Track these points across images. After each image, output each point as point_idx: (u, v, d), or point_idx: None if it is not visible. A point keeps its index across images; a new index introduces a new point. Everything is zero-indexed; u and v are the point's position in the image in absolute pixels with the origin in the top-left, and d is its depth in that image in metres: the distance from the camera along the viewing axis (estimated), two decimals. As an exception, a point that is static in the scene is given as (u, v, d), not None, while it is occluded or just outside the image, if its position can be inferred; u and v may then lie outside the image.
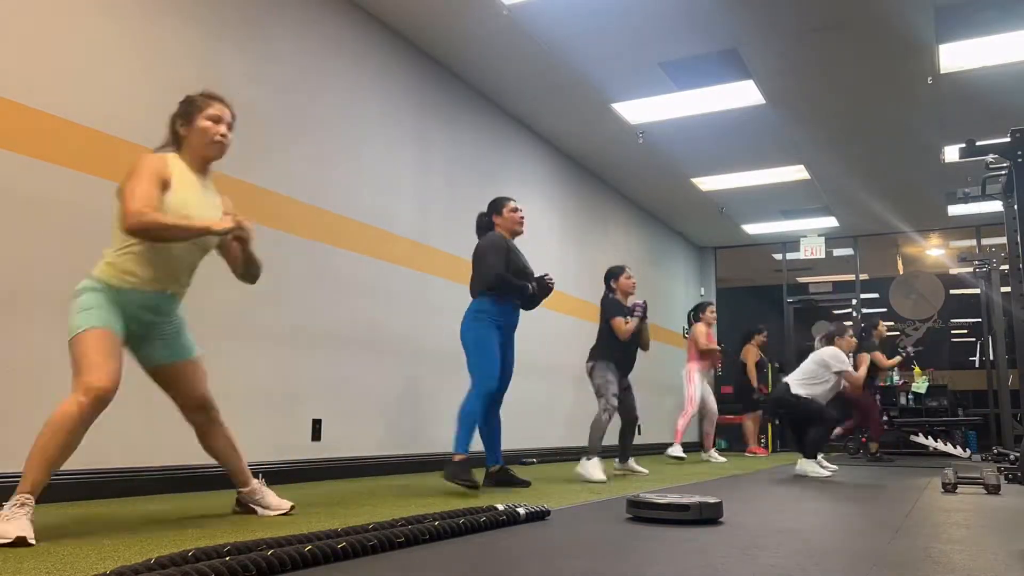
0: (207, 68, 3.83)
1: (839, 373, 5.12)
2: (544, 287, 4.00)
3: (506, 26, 5.12)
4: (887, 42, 5.29)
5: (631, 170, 8.03)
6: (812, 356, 5.26)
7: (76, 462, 3.10)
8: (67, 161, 3.16)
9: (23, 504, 2.05)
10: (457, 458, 3.58)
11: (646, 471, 5.41)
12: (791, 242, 10.58)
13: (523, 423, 6.37)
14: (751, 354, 8.77)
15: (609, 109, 6.46)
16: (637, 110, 6.46)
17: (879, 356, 7.25)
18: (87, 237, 3.21)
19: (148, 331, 2.46)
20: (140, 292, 2.36)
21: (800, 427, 5.16)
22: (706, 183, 8.40)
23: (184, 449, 3.53)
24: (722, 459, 7.21)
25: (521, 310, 4.06)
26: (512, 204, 4.09)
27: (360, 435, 4.63)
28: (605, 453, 5.71)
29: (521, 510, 2.44)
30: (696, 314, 7.37)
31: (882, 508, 3.00)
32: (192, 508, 2.83)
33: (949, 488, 3.89)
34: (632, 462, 5.35)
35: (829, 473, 5.07)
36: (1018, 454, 3.93)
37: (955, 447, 7.62)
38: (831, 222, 9.79)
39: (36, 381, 2.99)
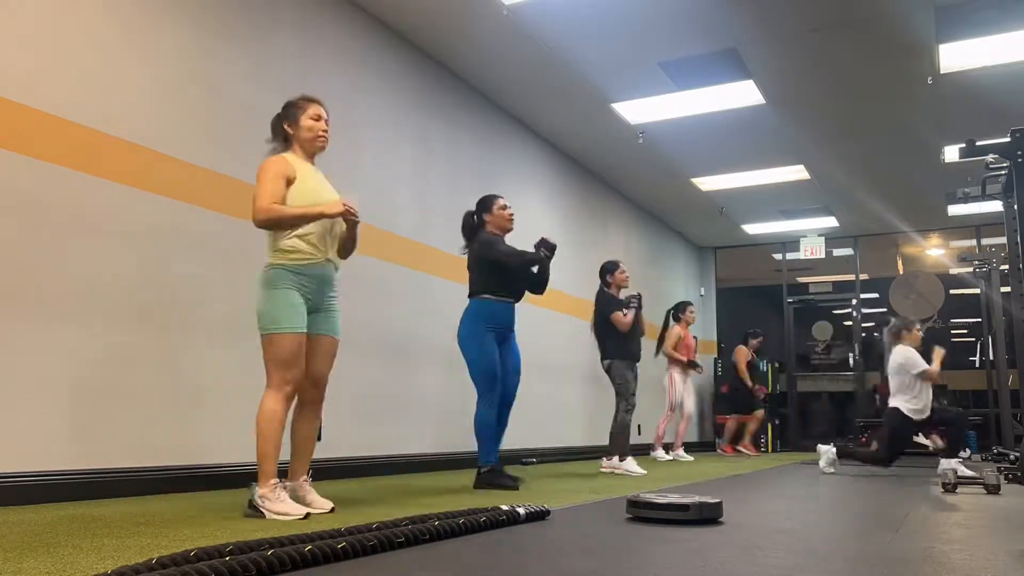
0: (207, 68, 3.83)
1: (920, 375, 5.12)
2: (548, 245, 3.95)
3: (506, 26, 5.12)
4: (887, 42, 5.29)
5: (631, 170, 8.03)
6: (892, 365, 5.19)
7: (76, 462, 3.10)
8: (67, 161, 3.16)
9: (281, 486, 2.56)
10: (484, 469, 3.74)
11: (643, 472, 5.40)
12: (791, 242, 10.57)
13: (523, 423, 6.37)
14: (742, 354, 8.81)
15: (609, 109, 6.46)
16: (637, 110, 6.46)
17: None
18: (87, 237, 3.21)
19: (318, 303, 2.80)
20: (313, 265, 2.74)
21: (947, 431, 5.23)
22: (706, 183, 8.40)
23: (185, 449, 3.54)
24: (690, 458, 7.25)
25: (530, 294, 4.09)
26: (501, 201, 4.05)
27: (361, 435, 4.62)
28: (587, 455, 5.73)
29: (521, 510, 2.44)
30: (676, 313, 7.39)
31: (882, 508, 3.00)
32: (192, 508, 2.83)
33: (949, 488, 3.89)
34: (629, 460, 5.34)
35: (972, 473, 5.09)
36: (1018, 454, 3.93)
37: (955, 447, 7.60)
38: (831, 222, 9.78)
39: (36, 382, 2.99)
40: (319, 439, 4.28)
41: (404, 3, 4.87)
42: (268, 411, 2.62)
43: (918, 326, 5.39)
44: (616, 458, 5.10)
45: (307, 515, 2.52)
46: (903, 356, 5.15)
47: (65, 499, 3.02)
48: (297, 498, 2.77)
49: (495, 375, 3.82)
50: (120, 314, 3.32)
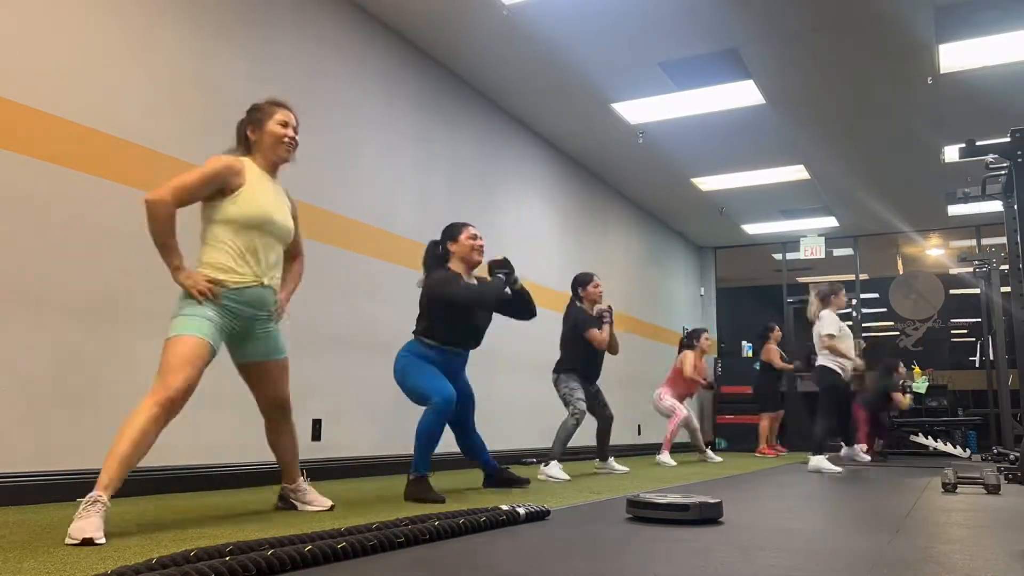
0: (207, 68, 3.83)
1: (828, 336, 5.38)
2: (497, 262, 3.59)
3: (506, 26, 5.12)
4: (887, 42, 5.30)
5: (631, 170, 8.03)
6: (815, 330, 5.51)
7: (76, 462, 3.10)
8: (66, 161, 3.17)
9: (95, 502, 2.07)
10: (412, 477, 3.23)
11: (626, 469, 5.46)
12: (791, 242, 10.58)
13: (522, 423, 6.37)
14: (773, 353, 8.47)
15: (609, 109, 6.46)
16: (637, 110, 6.46)
17: (898, 395, 7.48)
18: (86, 236, 3.21)
19: (248, 328, 2.57)
20: (241, 287, 2.50)
21: (840, 416, 5.50)
22: (706, 183, 8.40)
23: (185, 449, 3.54)
24: (673, 463, 7.09)
25: (522, 320, 3.74)
26: (471, 230, 3.60)
27: (360, 435, 4.63)
28: (583, 455, 5.74)
29: (521, 510, 2.44)
30: (691, 341, 7.18)
31: (882, 508, 3.00)
32: (193, 508, 2.83)
33: (949, 488, 3.89)
34: (612, 461, 5.35)
35: (840, 470, 5.23)
36: (1018, 454, 3.93)
37: (955, 447, 7.62)
38: (831, 222, 9.79)
39: (35, 381, 2.99)
40: (319, 439, 4.29)
41: (404, 3, 4.87)
42: (133, 415, 2.21)
43: (843, 291, 5.70)
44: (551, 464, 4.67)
45: (85, 541, 1.94)
46: (821, 318, 5.52)
47: (65, 499, 3.02)
48: (298, 499, 2.79)
49: (437, 382, 3.31)
50: (120, 314, 3.32)
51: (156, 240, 2.40)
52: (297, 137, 2.70)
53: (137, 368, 3.36)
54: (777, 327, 8.66)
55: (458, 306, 3.46)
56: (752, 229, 10.26)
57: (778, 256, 10.97)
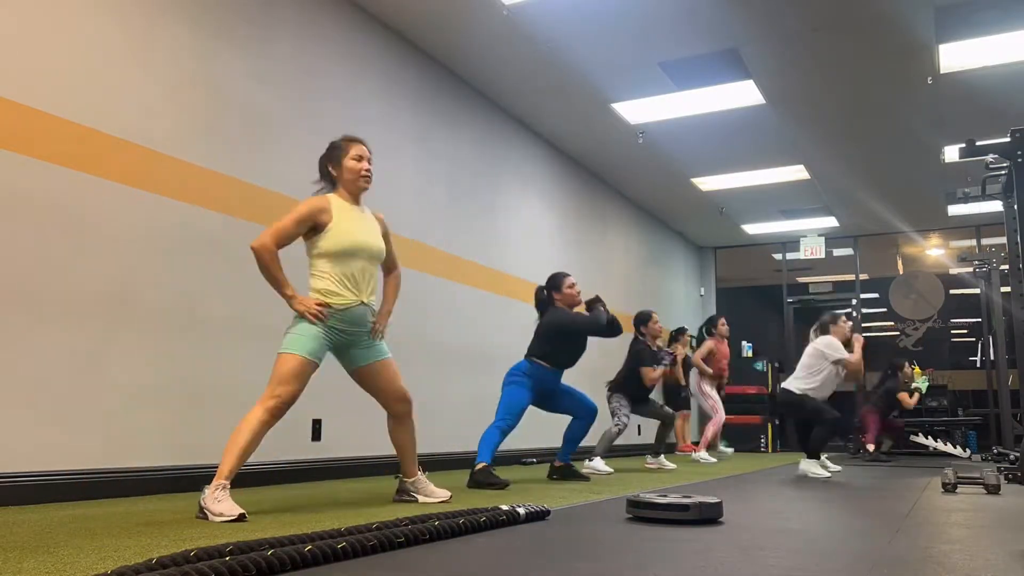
0: (207, 68, 3.83)
1: (837, 362, 5.03)
2: (595, 298, 4.49)
3: (506, 26, 5.12)
4: (887, 42, 5.30)
5: (631, 170, 8.03)
6: (808, 349, 5.20)
7: (76, 462, 3.10)
8: (67, 161, 3.17)
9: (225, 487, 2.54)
10: (478, 467, 3.94)
11: (673, 466, 5.92)
12: (791, 242, 10.58)
13: (523, 423, 6.36)
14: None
15: (609, 109, 6.46)
16: (637, 110, 6.46)
17: (904, 396, 7.43)
18: (87, 237, 3.21)
19: (355, 341, 2.94)
20: (345, 308, 2.86)
21: (806, 427, 5.13)
22: (706, 183, 8.40)
23: (185, 449, 3.54)
24: (713, 459, 7.17)
25: (605, 338, 4.46)
26: (570, 280, 4.51)
27: (360, 435, 4.62)
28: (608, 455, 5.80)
29: (521, 510, 2.44)
30: (708, 328, 7.28)
31: (882, 508, 3.00)
32: (192, 508, 2.83)
33: (949, 488, 3.89)
34: (662, 457, 5.89)
35: (829, 474, 5.04)
36: (1018, 454, 3.93)
37: (955, 447, 7.62)
38: (831, 222, 9.79)
39: (35, 382, 2.99)
40: (319, 439, 4.29)
41: (404, 3, 4.87)
42: (247, 417, 2.66)
43: (843, 320, 5.37)
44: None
45: (242, 516, 2.43)
46: (825, 343, 5.11)
47: (65, 499, 3.03)
48: (418, 490, 3.08)
49: (517, 414, 4.24)
50: (120, 314, 3.32)
51: (268, 276, 2.76)
52: (371, 168, 3.00)
53: (138, 368, 3.36)
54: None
55: (579, 333, 4.41)
56: (752, 229, 10.26)
57: (778, 256, 10.97)
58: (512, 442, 6.12)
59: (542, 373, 4.38)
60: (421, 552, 1.87)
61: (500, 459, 5.96)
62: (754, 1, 4.80)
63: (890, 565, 1.73)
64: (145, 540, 2.05)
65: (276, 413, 2.68)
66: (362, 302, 2.90)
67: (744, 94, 6.11)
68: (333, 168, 2.96)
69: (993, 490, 3.82)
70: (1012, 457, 5.33)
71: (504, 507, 2.43)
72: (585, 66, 5.70)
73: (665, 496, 2.64)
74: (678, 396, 8.66)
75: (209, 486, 2.52)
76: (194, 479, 3.53)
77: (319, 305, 2.80)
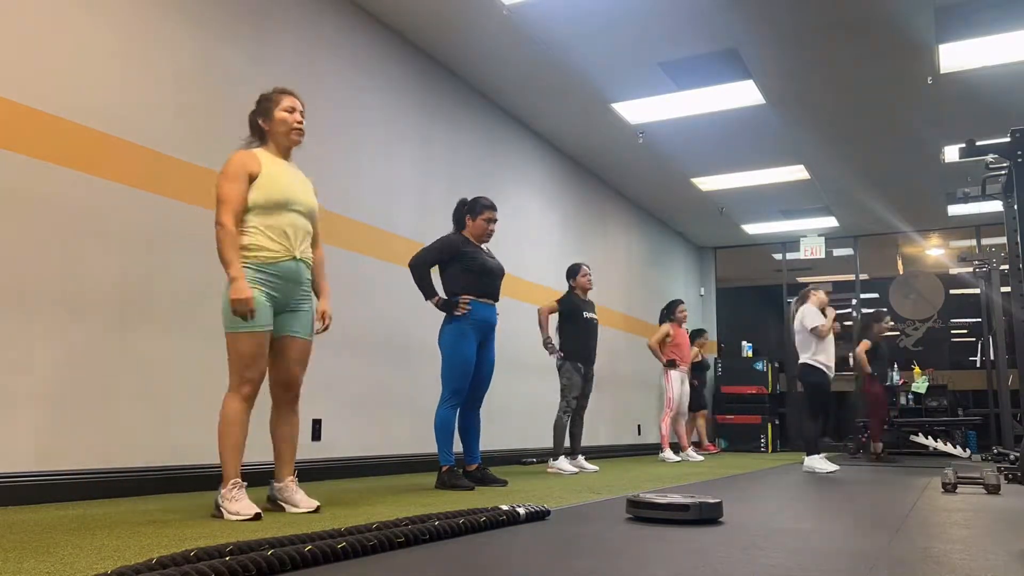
0: (207, 67, 3.83)
1: (813, 330, 5.41)
2: (447, 308, 3.94)
3: (506, 26, 5.12)
4: (887, 42, 5.30)
5: (631, 170, 8.03)
6: (795, 325, 5.56)
7: (76, 462, 3.10)
8: (67, 161, 3.16)
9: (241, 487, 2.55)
10: (444, 469, 3.81)
11: (700, 458, 6.06)
12: (791, 242, 10.57)
13: (523, 423, 6.37)
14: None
15: (609, 109, 6.46)
16: (637, 110, 6.46)
17: (864, 343, 7.25)
18: (87, 237, 3.21)
19: (286, 302, 2.76)
20: (279, 262, 2.71)
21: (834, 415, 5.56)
22: (706, 183, 8.40)
23: (185, 449, 3.54)
24: (699, 457, 7.20)
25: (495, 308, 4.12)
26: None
27: (360, 435, 4.62)
28: (598, 452, 5.77)
29: (521, 510, 2.44)
30: (667, 313, 7.23)
31: (882, 508, 3.00)
32: (193, 508, 2.83)
33: (949, 488, 3.89)
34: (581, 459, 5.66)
35: (834, 468, 5.31)
36: (1018, 454, 3.93)
37: (955, 447, 7.62)
38: (831, 222, 9.79)
39: (35, 382, 2.99)
40: (319, 439, 4.29)
41: (404, 3, 4.87)
42: (225, 412, 2.60)
43: (815, 288, 5.74)
44: (560, 459, 5.23)
45: (257, 515, 2.45)
46: (801, 313, 5.54)
47: (65, 499, 3.03)
48: (284, 499, 2.77)
49: (462, 379, 3.87)
50: (120, 314, 3.32)
51: (224, 256, 2.61)
52: (304, 121, 2.85)
53: (138, 367, 3.36)
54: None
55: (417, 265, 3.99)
56: (752, 229, 10.26)
57: (778, 256, 10.97)
58: (512, 442, 6.12)
59: (473, 306, 4.01)
60: (421, 552, 1.87)
61: (500, 459, 5.96)
62: (754, 1, 4.80)
63: (890, 565, 1.73)
64: (145, 540, 2.05)
65: (252, 398, 2.63)
66: (294, 256, 2.74)
67: (744, 94, 6.11)
68: (263, 121, 2.82)
69: (993, 490, 3.82)
70: (1012, 457, 5.34)
71: (504, 507, 2.43)
72: (585, 66, 5.70)
73: (665, 496, 2.64)
74: (695, 395, 8.67)
75: (224, 486, 2.52)
76: (194, 479, 3.53)
77: (245, 299, 2.57)
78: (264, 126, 2.82)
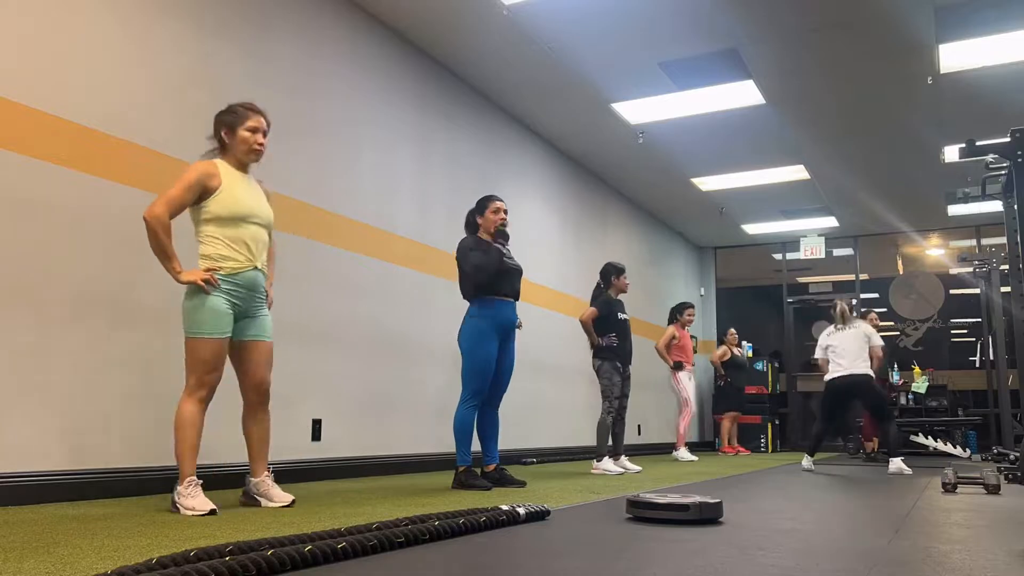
0: (207, 68, 3.83)
1: (881, 347, 5.61)
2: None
3: (506, 26, 5.12)
4: (887, 42, 5.30)
5: (631, 170, 8.03)
6: (853, 334, 5.64)
7: (76, 462, 3.10)
8: (66, 161, 3.17)
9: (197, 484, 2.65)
10: (461, 469, 3.82)
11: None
12: (791, 242, 10.57)
13: (523, 423, 6.37)
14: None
15: (609, 109, 6.46)
16: (637, 110, 6.46)
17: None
18: (87, 237, 3.21)
19: (246, 309, 2.86)
20: (242, 272, 2.81)
21: (875, 415, 5.62)
22: (706, 183, 8.40)
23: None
24: (693, 457, 7.19)
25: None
26: (496, 204, 4.06)
27: (360, 435, 4.63)
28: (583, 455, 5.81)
29: (521, 510, 2.44)
30: (674, 314, 7.30)
31: (882, 508, 3.00)
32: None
33: (949, 488, 3.89)
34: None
35: (910, 471, 5.44)
36: (1018, 454, 3.93)
37: (955, 447, 7.62)
38: (831, 222, 9.78)
39: (35, 382, 2.99)
40: (319, 439, 4.29)
41: (404, 3, 4.87)
42: (181, 414, 2.68)
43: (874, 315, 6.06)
44: (604, 459, 5.21)
45: (212, 511, 2.57)
46: (871, 329, 5.74)
47: (65, 499, 3.03)
48: (260, 493, 2.89)
49: (483, 380, 3.87)
50: (120, 314, 3.32)
51: (157, 249, 2.69)
52: (265, 142, 2.93)
53: (138, 367, 3.36)
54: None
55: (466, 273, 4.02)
56: (752, 229, 10.26)
57: (778, 256, 10.97)
58: (512, 442, 6.12)
59: (491, 307, 4.02)
60: (421, 552, 1.87)
61: (500, 459, 5.96)
62: (754, 1, 4.80)
63: (890, 565, 1.73)
64: (145, 540, 2.05)
65: (207, 401, 2.73)
66: (255, 267, 2.85)
67: (744, 94, 6.11)
68: (227, 134, 2.89)
69: (993, 490, 3.82)
70: (1012, 457, 5.34)
71: (504, 507, 2.43)
72: (585, 66, 5.70)
73: (665, 496, 2.64)
74: (726, 396, 8.65)
75: (181, 483, 2.63)
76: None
77: (207, 269, 2.74)
78: (226, 138, 2.89)
